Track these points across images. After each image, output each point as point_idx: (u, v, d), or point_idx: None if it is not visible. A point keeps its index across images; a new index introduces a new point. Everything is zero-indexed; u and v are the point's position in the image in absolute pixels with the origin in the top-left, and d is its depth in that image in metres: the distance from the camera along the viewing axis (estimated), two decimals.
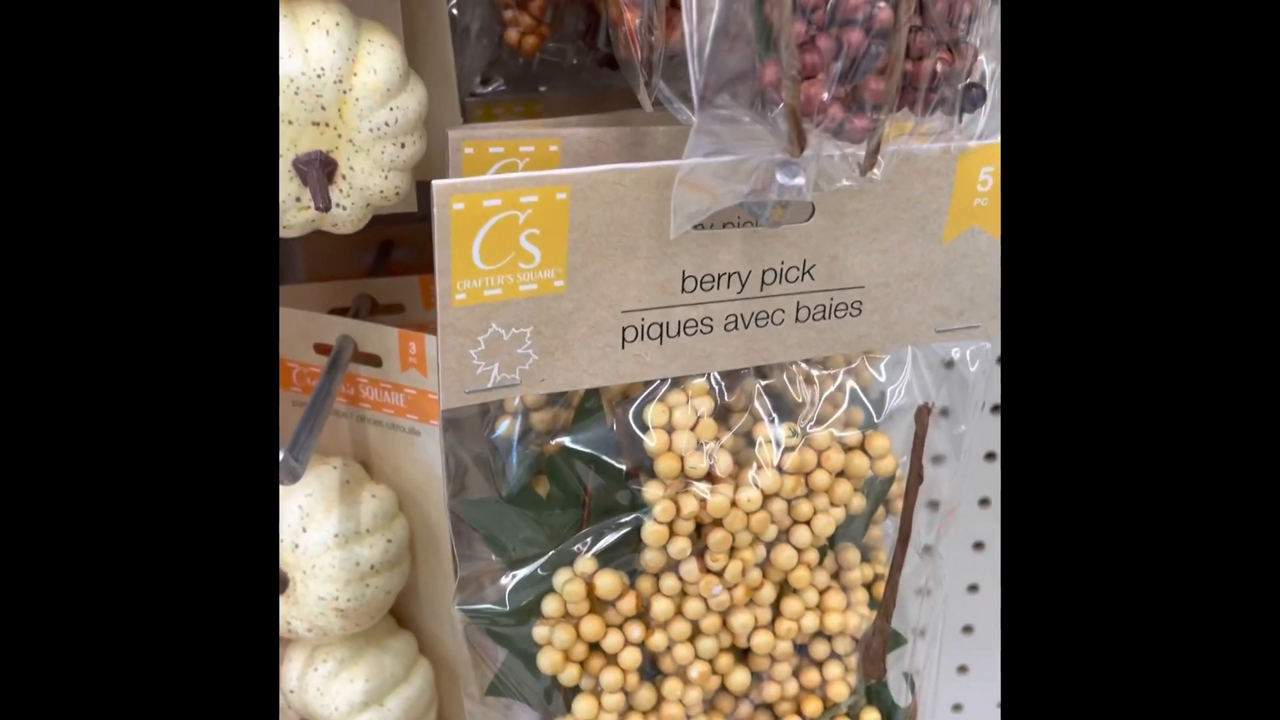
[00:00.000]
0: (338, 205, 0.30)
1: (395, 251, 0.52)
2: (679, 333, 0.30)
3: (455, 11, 0.39)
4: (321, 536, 0.35)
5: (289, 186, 0.29)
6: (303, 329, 0.39)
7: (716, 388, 0.32)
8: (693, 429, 0.31)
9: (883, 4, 0.25)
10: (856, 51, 0.25)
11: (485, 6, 0.40)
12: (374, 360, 0.38)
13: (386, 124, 0.29)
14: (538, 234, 0.27)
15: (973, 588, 0.62)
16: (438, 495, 0.38)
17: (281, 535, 0.35)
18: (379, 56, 0.29)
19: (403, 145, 0.30)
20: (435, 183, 0.25)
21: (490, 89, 0.44)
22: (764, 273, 0.30)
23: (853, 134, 0.26)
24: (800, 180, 0.25)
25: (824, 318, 0.31)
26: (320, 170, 0.29)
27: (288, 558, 0.36)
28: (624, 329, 0.29)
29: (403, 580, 0.39)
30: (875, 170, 0.27)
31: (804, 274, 0.31)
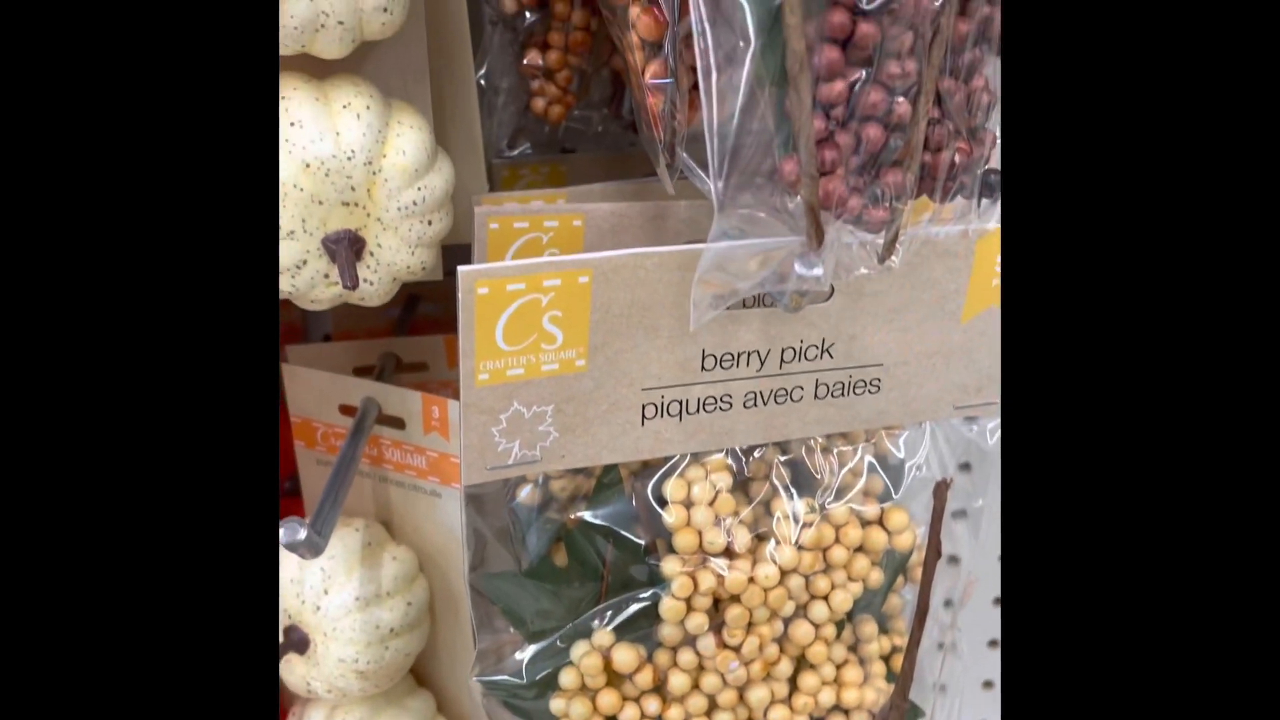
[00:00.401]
0: (365, 281, 0.31)
1: (420, 305, 0.53)
2: (699, 410, 0.30)
3: (483, 82, 0.40)
4: (343, 599, 0.36)
5: (318, 263, 0.30)
6: (328, 390, 0.40)
7: (735, 462, 0.32)
8: (711, 504, 0.31)
9: (901, 99, 0.25)
10: (875, 146, 0.25)
11: (513, 76, 0.40)
12: (397, 423, 0.39)
13: (414, 203, 0.30)
14: (560, 316, 0.27)
15: (993, 643, 0.61)
16: (458, 556, 0.39)
17: (303, 597, 0.36)
18: (408, 139, 0.30)
19: (429, 222, 0.31)
20: (461, 269, 0.26)
21: (516, 152, 0.45)
22: (783, 351, 0.30)
23: (871, 224, 0.26)
24: (819, 270, 0.25)
25: (843, 394, 0.32)
26: (349, 249, 0.29)
27: (309, 619, 0.36)
28: (644, 406, 0.30)
29: (422, 642, 0.39)
30: (893, 258, 0.27)
31: (823, 352, 0.31)
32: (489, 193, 0.39)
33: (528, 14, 0.39)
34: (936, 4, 0.24)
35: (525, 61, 0.39)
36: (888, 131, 0.25)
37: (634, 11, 0.30)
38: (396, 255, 0.31)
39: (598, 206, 0.34)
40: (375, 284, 0.31)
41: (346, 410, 0.40)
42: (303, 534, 0.28)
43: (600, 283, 0.28)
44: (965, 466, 0.36)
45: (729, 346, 0.30)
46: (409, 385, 0.48)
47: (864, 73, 0.25)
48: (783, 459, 0.32)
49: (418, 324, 0.53)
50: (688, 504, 0.31)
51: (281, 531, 0.28)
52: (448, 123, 0.37)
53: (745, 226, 0.24)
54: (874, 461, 0.33)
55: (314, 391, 0.40)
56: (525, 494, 0.33)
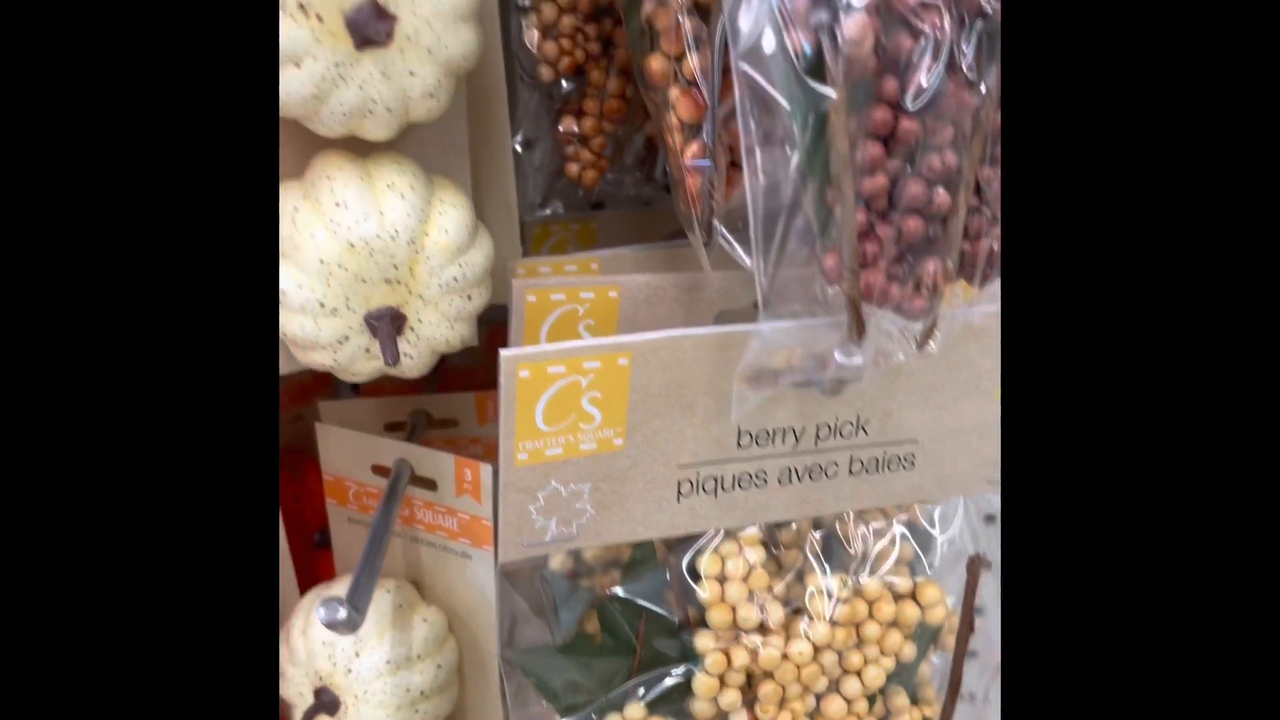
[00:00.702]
0: (405, 355, 0.31)
1: (450, 357, 0.54)
2: (734, 486, 0.30)
3: (519, 148, 0.40)
4: (374, 662, 0.36)
5: (359, 338, 0.30)
6: (360, 449, 0.40)
7: (768, 536, 0.32)
8: (745, 579, 0.31)
9: (941, 189, 0.25)
10: (915, 237, 0.25)
11: (548, 141, 0.41)
12: (429, 484, 0.39)
13: (455, 279, 0.30)
14: (599, 397, 0.28)
15: None
16: (488, 618, 0.39)
17: (334, 659, 0.36)
18: (450, 217, 0.30)
19: (469, 297, 0.31)
20: (503, 354, 0.26)
21: (548, 211, 0.45)
22: (819, 428, 0.31)
23: (910, 312, 0.26)
24: (859, 360, 0.25)
25: (877, 470, 0.32)
26: (390, 325, 0.30)
27: (339, 681, 0.36)
28: (680, 483, 0.30)
29: (451, 705, 0.39)
30: (931, 343, 0.27)
31: (858, 429, 0.31)
32: (522, 256, 0.39)
33: (564, 81, 0.39)
34: (977, 101, 0.24)
35: (561, 128, 0.40)
36: (927, 222, 0.25)
37: (674, 93, 0.31)
38: (436, 330, 0.31)
39: (633, 278, 0.34)
40: (415, 358, 0.31)
41: (379, 470, 0.40)
42: (342, 614, 0.28)
43: (639, 364, 0.28)
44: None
45: (765, 424, 0.30)
46: (440, 442, 0.48)
47: (904, 165, 0.25)
48: (816, 533, 0.32)
49: (447, 375, 0.53)
50: (721, 579, 0.31)
51: (321, 612, 0.28)
52: (483, 188, 0.38)
53: (787, 318, 0.24)
54: (907, 535, 0.33)
55: (347, 450, 0.41)
56: (557, 562, 0.33)
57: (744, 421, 0.30)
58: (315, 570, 0.50)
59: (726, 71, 0.30)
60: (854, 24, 0.22)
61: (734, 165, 0.31)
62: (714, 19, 0.30)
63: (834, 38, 0.22)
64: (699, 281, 0.35)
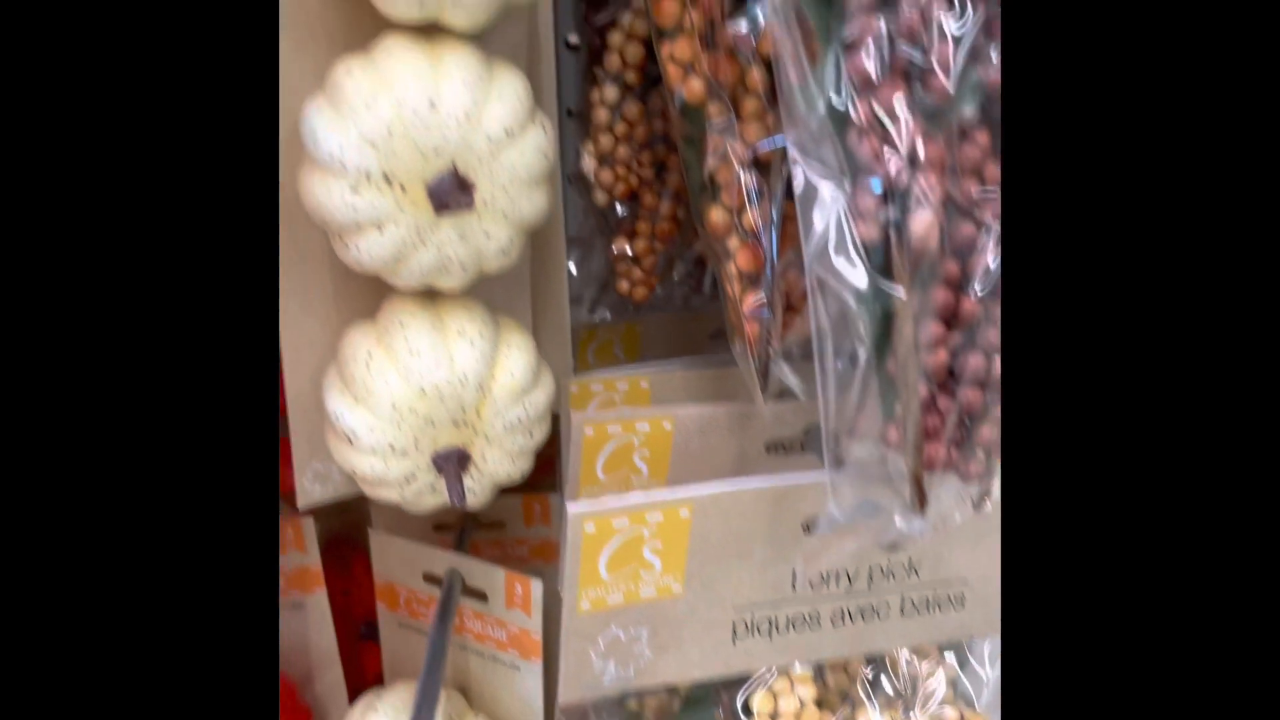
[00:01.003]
0: (469, 491, 0.32)
1: None
2: (788, 628, 0.31)
3: (574, 270, 0.41)
4: None
5: (426, 476, 0.31)
6: (412, 557, 0.41)
7: (821, 674, 0.32)
8: (797, 717, 0.31)
9: (998, 359, 0.26)
10: (974, 408, 0.26)
11: (600, 259, 0.42)
12: (480, 595, 0.40)
13: (519, 419, 0.31)
14: (660, 546, 0.29)
15: None
16: None
17: None
18: (516, 360, 0.31)
19: (531, 434, 0.32)
20: (571, 510, 0.27)
21: (596, 316, 0.46)
22: (871, 570, 0.31)
23: (967, 475, 0.27)
24: (920, 526, 0.26)
25: (928, 610, 0.32)
26: (456, 465, 0.31)
27: None
28: (735, 625, 0.31)
29: None
30: (988, 502, 0.28)
31: (910, 571, 0.32)
32: (573, 368, 0.40)
33: (618, 205, 0.41)
34: None
35: (614, 249, 0.41)
36: (985, 392, 0.26)
37: (733, 243, 0.32)
38: (499, 466, 0.32)
39: (687, 411, 0.35)
40: (478, 493, 0.32)
41: (430, 577, 0.41)
42: None
43: (700, 514, 0.29)
44: None
45: (821, 565, 0.31)
46: (487, 543, 0.49)
47: (964, 340, 0.26)
48: (867, 669, 0.33)
49: None
50: (774, 716, 0.32)
51: None
52: (539, 311, 0.39)
53: (850, 499, 0.25)
54: (957, 670, 0.34)
55: (398, 558, 0.42)
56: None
57: (798, 564, 0.30)
58: (361, 662, 0.51)
59: (785, 222, 0.31)
60: (921, 221, 0.23)
61: (790, 309, 0.32)
62: (773, 174, 0.31)
63: (902, 233, 0.23)
64: (751, 411, 0.36)
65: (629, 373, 0.40)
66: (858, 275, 0.23)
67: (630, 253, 0.41)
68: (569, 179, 0.41)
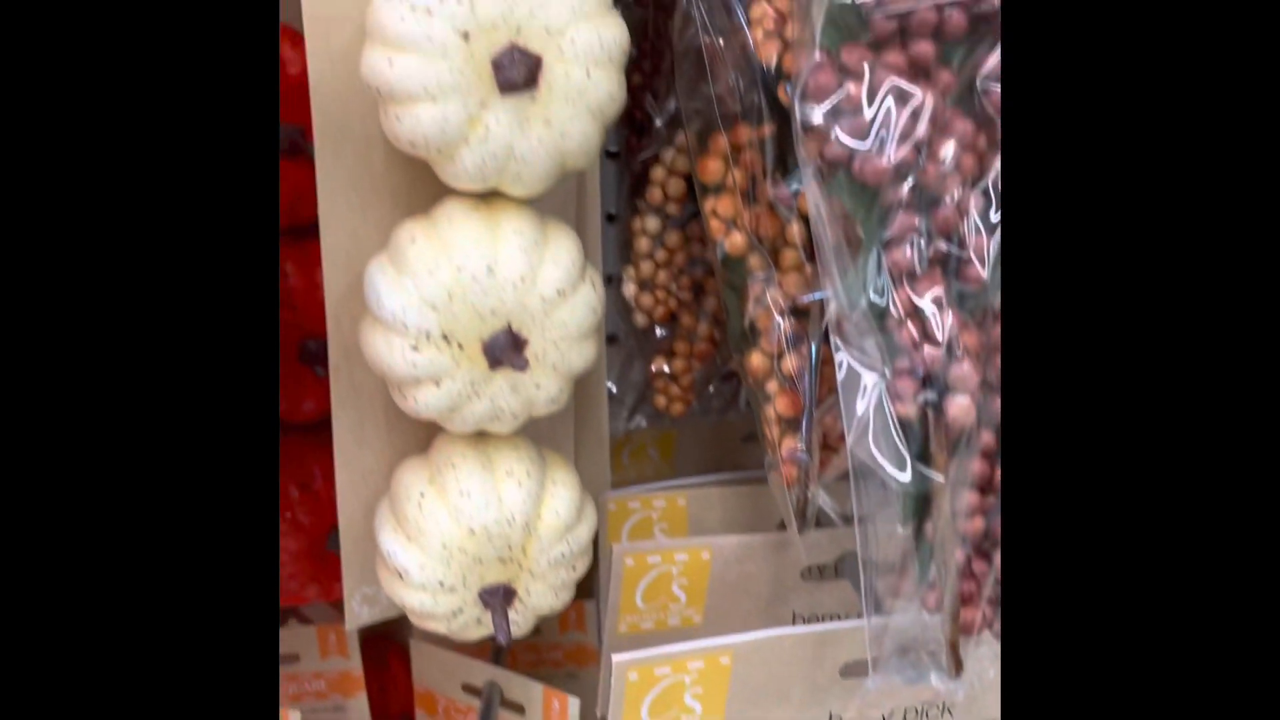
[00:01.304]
0: (513, 623, 0.33)
1: None
2: None
3: (614, 390, 0.43)
4: None
5: (472, 610, 0.32)
6: (453, 668, 0.42)
7: None
8: None
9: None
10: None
11: (639, 377, 0.43)
12: (518, 708, 0.41)
13: (563, 554, 0.32)
14: (701, 692, 0.29)
15: None
16: None
17: None
18: (561, 499, 0.32)
19: (574, 568, 0.33)
20: (615, 659, 0.28)
21: (633, 424, 0.47)
22: (905, 711, 0.32)
23: (1000, 634, 0.28)
24: (956, 688, 0.27)
25: None
26: (503, 602, 0.32)
27: None
28: None
29: None
30: None
31: (944, 711, 0.32)
32: (610, 484, 0.41)
33: (658, 328, 0.42)
34: None
35: (652, 368, 0.42)
36: None
37: (772, 387, 0.33)
38: (543, 599, 0.33)
39: (725, 540, 0.36)
40: (522, 625, 0.33)
41: (469, 688, 0.42)
42: None
43: (740, 660, 0.30)
44: None
45: (856, 709, 0.31)
46: (523, 647, 0.50)
47: (999, 504, 0.27)
48: None
49: None
50: None
51: None
52: (580, 426, 0.40)
53: (891, 663, 0.26)
54: None
55: (439, 667, 0.43)
56: None
57: (834, 706, 0.31)
58: None
59: (823, 365, 0.32)
60: (958, 406, 0.24)
61: (826, 448, 0.33)
62: (812, 321, 0.32)
63: (939, 413, 0.24)
64: (785, 539, 0.37)
65: (666, 489, 0.41)
66: (897, 462, 0.24)
67: (668, 370, 0.42)
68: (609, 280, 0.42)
